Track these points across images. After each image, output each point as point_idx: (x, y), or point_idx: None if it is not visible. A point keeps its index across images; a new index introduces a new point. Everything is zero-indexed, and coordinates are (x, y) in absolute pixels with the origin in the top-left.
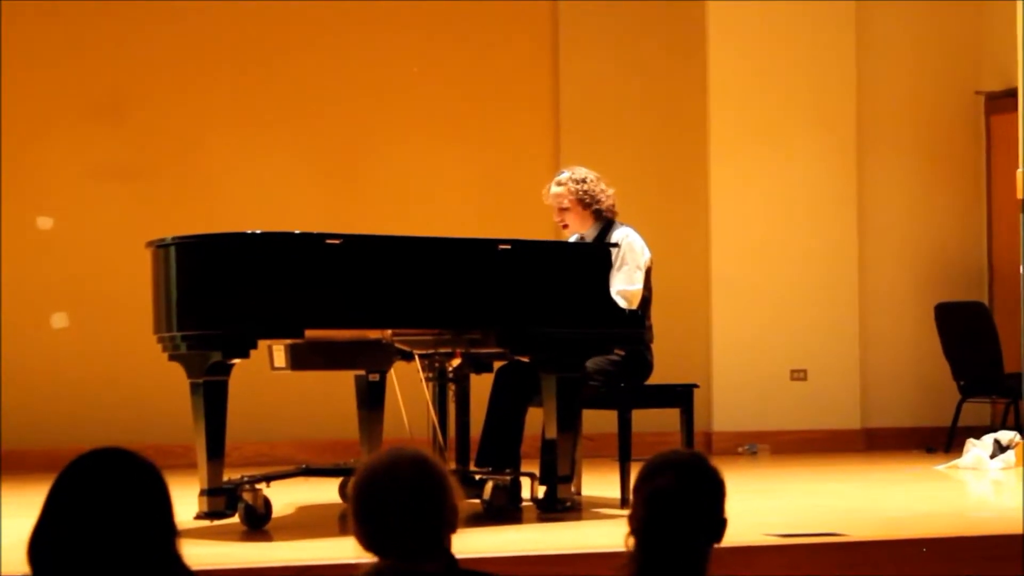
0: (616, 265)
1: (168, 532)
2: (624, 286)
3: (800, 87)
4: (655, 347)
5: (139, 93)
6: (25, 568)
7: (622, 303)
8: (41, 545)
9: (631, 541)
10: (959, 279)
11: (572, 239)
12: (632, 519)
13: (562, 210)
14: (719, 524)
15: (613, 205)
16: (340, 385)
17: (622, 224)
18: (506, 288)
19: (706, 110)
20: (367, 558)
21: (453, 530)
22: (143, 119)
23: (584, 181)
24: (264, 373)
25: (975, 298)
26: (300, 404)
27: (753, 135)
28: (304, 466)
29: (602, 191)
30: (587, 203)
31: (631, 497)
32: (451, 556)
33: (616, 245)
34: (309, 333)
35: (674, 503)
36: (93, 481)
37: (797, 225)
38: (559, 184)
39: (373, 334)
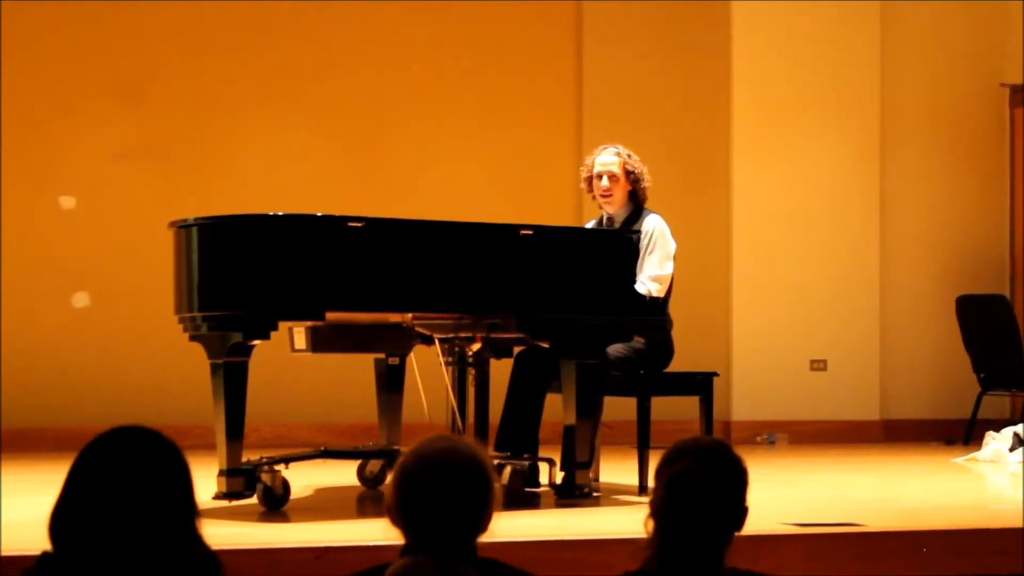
0: (648, 249)
1: (189, 511)
2: (657, 271)
3: (824, 80)
4: (675, 335)
5: (160, 73)
6: (46, 544)
7: (653, 286)
8: (62, 521)
9: (650, 524)
10: (980, 272)
11: (591, 224)
12: (652, 502)
13: (612, 179)
14: (740, 512)
15: (647, 191)
16: (359, 368)
17: (652, 211)
18: (527, 273)
19: (729, 103)
20: (386, 541)
21: (484, 531)
22: (164, 99)
23: (633, 157)
24: (284, 355)
25: (996, 291)
26: (319, 387)
27: (776, 127)
28: (323, 448)
29: (646, 174)
30: (634, 179)
31: (651, 482)
32: (477, 555)
33: (638, 232)
34: (330, 315)
35: (695, 487)
36: (115, 459)
37: (819, 216)
38: (614, 154)
39: (394, 317)
